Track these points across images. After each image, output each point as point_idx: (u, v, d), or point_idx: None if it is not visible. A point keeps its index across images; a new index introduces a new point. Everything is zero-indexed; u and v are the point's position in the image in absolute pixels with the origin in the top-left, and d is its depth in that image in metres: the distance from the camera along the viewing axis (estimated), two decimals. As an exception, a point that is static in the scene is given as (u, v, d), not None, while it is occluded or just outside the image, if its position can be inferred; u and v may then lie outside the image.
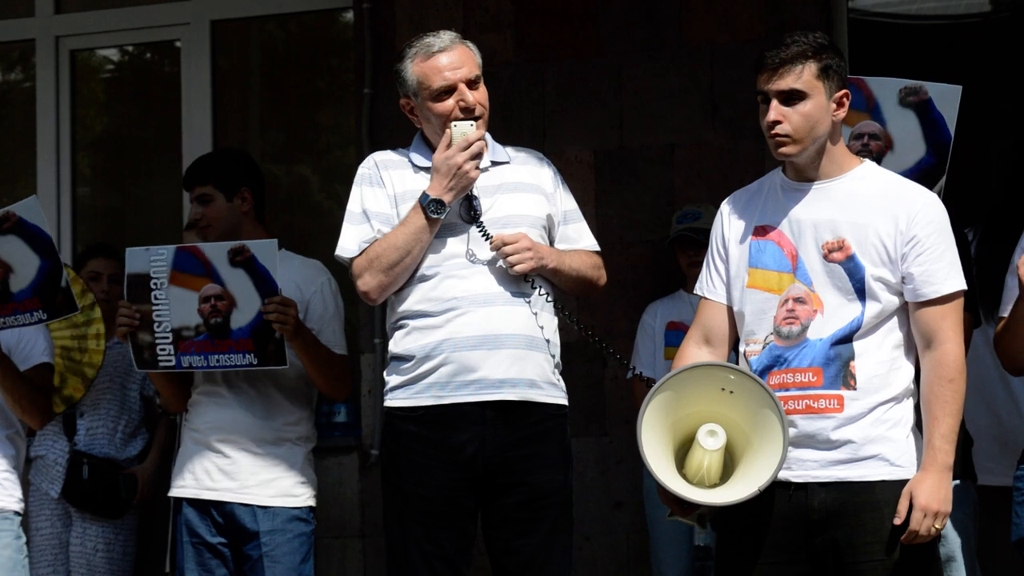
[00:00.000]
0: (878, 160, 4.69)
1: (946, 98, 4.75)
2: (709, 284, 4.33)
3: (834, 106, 4.15)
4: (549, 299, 4.63)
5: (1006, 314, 4.52)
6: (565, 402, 4.71)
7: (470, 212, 4.65)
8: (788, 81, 4.11)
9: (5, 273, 5.44)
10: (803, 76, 4.11)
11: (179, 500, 5.35)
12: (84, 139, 7.84)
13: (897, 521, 4.01)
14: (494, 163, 4.75)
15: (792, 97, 4.11)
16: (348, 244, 4.71)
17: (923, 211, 4.12)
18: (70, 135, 7.65)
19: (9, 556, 5.52)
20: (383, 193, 4.71)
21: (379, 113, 6.87)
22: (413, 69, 4.68)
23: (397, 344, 4.68)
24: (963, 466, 4.86)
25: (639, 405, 6.18)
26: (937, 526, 4.02)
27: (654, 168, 6.61)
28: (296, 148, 7.84)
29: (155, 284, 5.17)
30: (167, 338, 5.19)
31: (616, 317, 6.37)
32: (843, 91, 4.17)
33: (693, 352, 4.31)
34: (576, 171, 6.47)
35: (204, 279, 5.13)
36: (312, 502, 5.34)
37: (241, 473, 5.24)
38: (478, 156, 4.59)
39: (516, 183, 4.73)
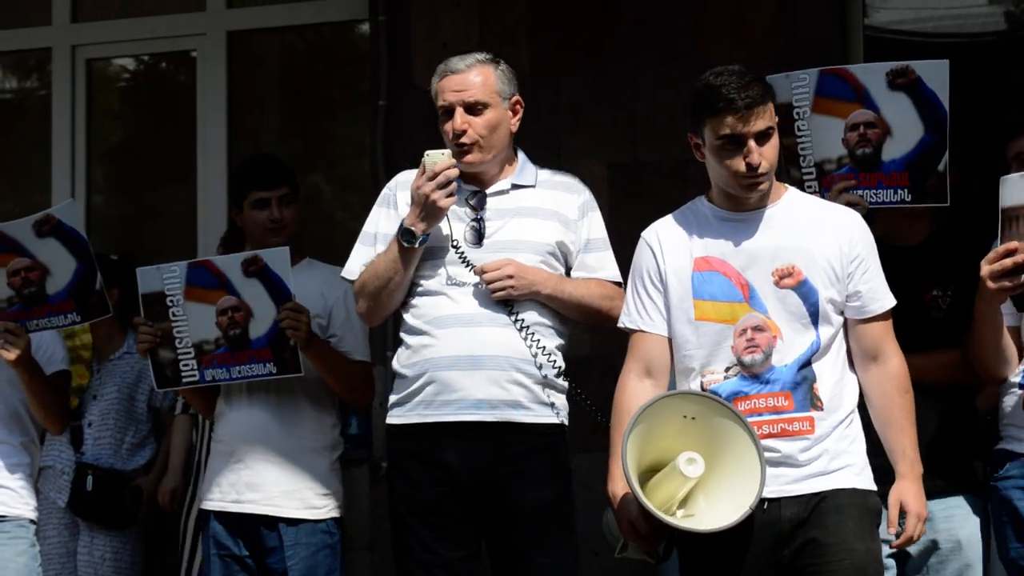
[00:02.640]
0: (879, 147, 4.76)
1: (935, 74, 4.74)
2: (645, 317, 4.30)
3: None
4: (525, 325, 4.62)
5: None
6: (558, 420, 4.70)
7: (476, 235, 4.66)
8: (764, 121, 4.16)
9: (42, 275, 5.48)
10: (771, 112, 4.19)
11: (207, 512, 5.32)
12: (99, 148, 7.85)
13: (891, 530, 4.12)
14: (515, 186, 4.77)
15: (764, 135, 4.16)
16: (352, 267, 4.81)
17: (857, 231, 4.26)
18: (85, 144, 7.67)
19: (25, 563, 5.53)
20: (395, 216, 4.75)
21: (393, 125, 6.88)
22: (435, 86, 4.76)
23: (395, 360, 4.76)
24: (970, 481, 4.86)
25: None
26: (922, 529, 4.16)
27: (667, 183, 6.60)
28: (310, 158, 7.85)
29: (171, 301, 5.20)
30: (189, 353, 5.21)
31: (621, 334, 6.35)
32: (777, 118, 4.24)
33: (636, 386, 4.29)
34: (589, 185, 6.42)
35: (219, 292, 5.16)
36: (337, 513, 5.30)
37: (264, 484, 5.22)
38: (447, 185, 4.58)
39: (532, 208, 4.74)
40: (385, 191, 4.85)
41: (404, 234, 4.60)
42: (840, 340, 4.22)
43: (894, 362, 4.21)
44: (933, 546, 4.82)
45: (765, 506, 4.09)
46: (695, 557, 4.21)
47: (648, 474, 4.10)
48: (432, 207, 4.57)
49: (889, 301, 4.24)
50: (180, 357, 5.22)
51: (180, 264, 5.23)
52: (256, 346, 5.15)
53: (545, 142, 6.61)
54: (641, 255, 4.35)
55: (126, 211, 8.13)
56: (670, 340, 4.27)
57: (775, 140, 4.19)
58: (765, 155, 4.14)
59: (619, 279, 4.79)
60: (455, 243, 4.66)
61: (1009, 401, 4.61)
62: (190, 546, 6.25)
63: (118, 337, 6.44)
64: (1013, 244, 4.31)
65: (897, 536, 4.15)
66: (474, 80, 4.69)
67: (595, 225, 4.84)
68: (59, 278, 5.48)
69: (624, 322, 4.37)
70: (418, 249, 4.62)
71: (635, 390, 4.27)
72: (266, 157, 5.78)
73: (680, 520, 4.03)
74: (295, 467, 5.23)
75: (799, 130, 4.92)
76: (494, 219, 4.69)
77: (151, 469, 6.49)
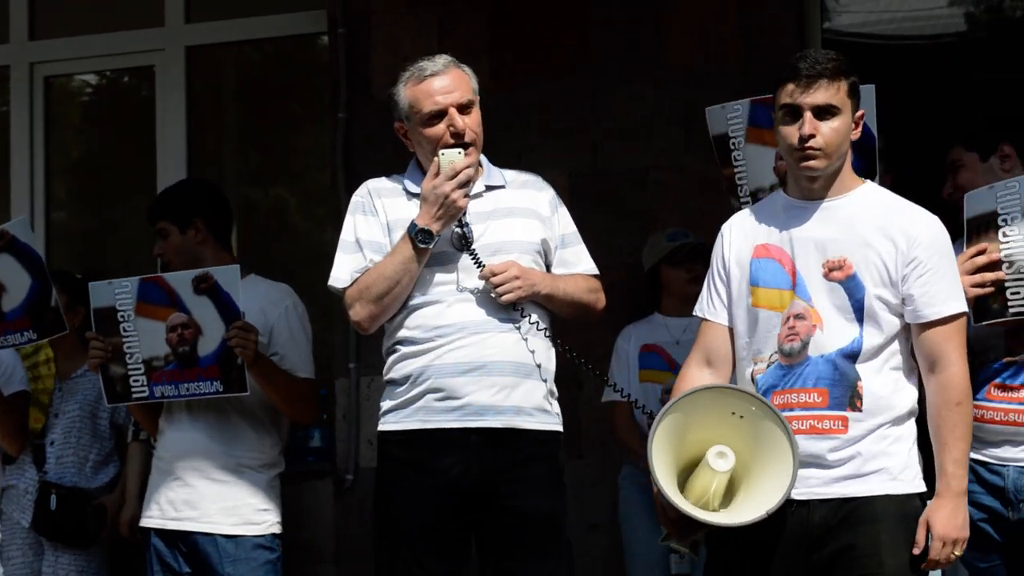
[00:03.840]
0: None
1: (862, 99, 4.77)
2: (710, 306, 4.31)
3: (853, 125, 4.18)
4: (539, 328, 4.61)
5: None
6: (558, 428, 4.69)
7: (462, 239, 4.63)
8: (826, 95, 4.11)
9: None
10: (839, 92, 4.13)
11: (148, 530, 5.33)
12: (60, 164, 7.83)
13: (916, 551, 4.02)
14: (489, 188, 4.73)
15: (825, 112, 4.12)
16: (340, 274, 4.71)
17: (924, 232, 4.13)
18: (44, 160, 7.64)
19: (-10, 584, 5.51)
20: (376, 221, 4.69)
21: (354, 137, 6.87)
22: (406, 93, 4.67)
23: (389, 369, 4.69)
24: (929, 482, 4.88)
25: (615, 429, 6.23)
26: (956, 553, 4.04)
27: (630, 192, 6.61)
28: (273, 171, 7.84)
29: (122, 316, 5.20)
30: (139, 369, 5.21)
31: (591, 340, 6.34)
32: (862, 111, 4.20)
33: (695, 374, 4.28)
34: (551, 194, 6.48)
35: (170, 309, 5.15)
36: (276, 529, 5.31)
37: (202, 502, 5.23)
38: (466, 185, 4.55)
39: (510, 208, 4.70)
40: (357, 198, 4.77)
41: (421, 234, 4.52)
42: (897, 344, 4.12)
43: (950, 372, 4.07)
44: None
45: (793, 508, 4.05)
46: (719, 553, 4.20)
47: (694, 466, 4.08)
48: (452, 206, 4.52)
49: (949, 308, 4.09)
50: (130, 373, 5.22)
51: (132, 280, 5.22)
52: (204, 364, 5.14)
53: (506, 152, 6.60)
54: (715, 246, 4.35)
55: (87, 226, 8.10)
56: (732, 331, 4.26)
57: (839, 124, 4.11)
58: (822, 131, 4.09)
59: (597, 271, 4.82)
60: (461, 248, 4.61)
61: None
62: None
63: (79, 355, 6.40)
64: (983, 245, 4.37)
65: (923, 558, 4.04)
66: (457, 81, 4.66)
67: (565, 220, 4.82)
68: (14, 295, 5.46)
69: (695, 309, 4.37)
70: (430, 249, 4.57)
71: (692, 377, 4.26)
72: (168, 191, 5.78)
73: (693, 509, 4.00)
74: (232, 485, 5.24)
75: (735, 160, 4.98)
76: (476, 222, 4.65)
77: (115, 487, 6.47)
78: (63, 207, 7.91)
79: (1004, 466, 4.56)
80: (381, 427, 4.68)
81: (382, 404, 4.69)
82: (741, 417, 4.02)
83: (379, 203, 4.72)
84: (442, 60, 4.70)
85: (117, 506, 6.39)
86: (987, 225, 4.41)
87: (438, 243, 4.58)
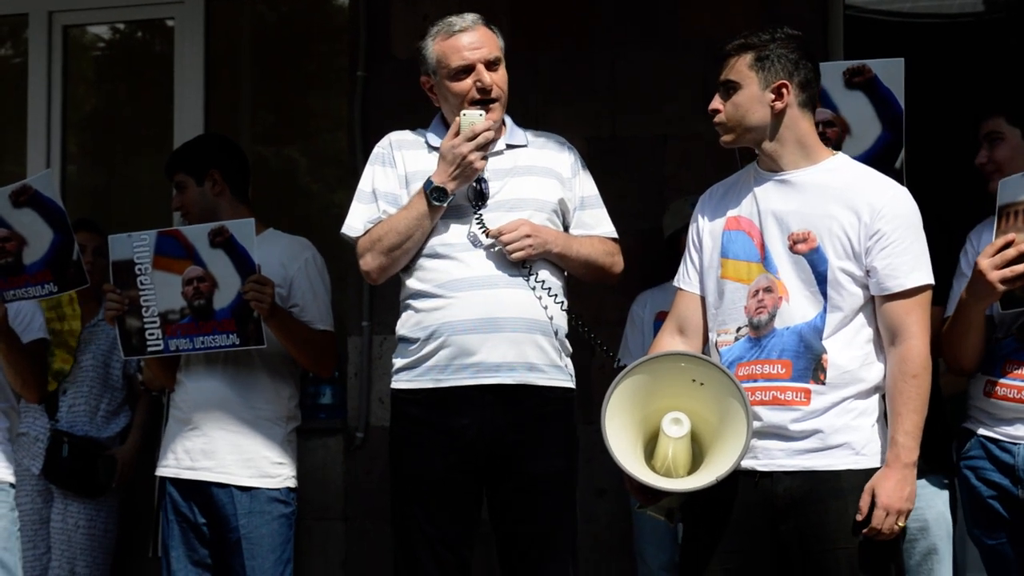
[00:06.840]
0: (838, 146, 4.73)
1: (891, 72, 4.77)
2: (684, 275, 4.37)
3: (771, 96, 4.17)
4: (545, 287, 4.61)
5: (950, 315, 4.58)
6: (571, 385, 4.71)
7: (478, 196, 4.64)
8: (726, 72, 4.20)
9: (19, 246, 5.49)
10: (735, 67, 4.18)
11: (164, 479, 5.36)
12: (74, 117, 7.81)
13: (859, 518, 4.03)
14: (510, 146, 4.75)
15: (728, 88, 4.18)
16: (354, 223, 4.73)
17: (889, 205, 4.13)
18: (61, 112, 7.62)
19: (4, 527, 5.53)
20: (393, 173, 4.71)
21: (372, 96, 6.86)
22: (434, 47, 4.70)
23: (402, 326, 4.70)
24: (941, 460, 4.87)
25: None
26: (900, 524, 4.04)
27: (646, 158, 6.61)
28: (286, 131, 7.83)
29: (139, 270, 5.23)
30: (155, 322, 5.23)
31: (605, 306, 6.36)
32: (780, 81, 4.17)
33: (667, 342, 4.34)
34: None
35: (186, 262, 5.18)
36: (291, 483, 5.34)
37: (218, 452, 5.26)
38: (485, 147, 4.57)
39: (529, 167, 4.72)
40: (379, 149, 4.80)
41: (435, 192, 4.55)
42: (866, 317, 4.13)
43: (909, 344, 4.07)
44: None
45: (757, 478, 4.09)
46: (690, 525, 4.24)
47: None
48: (468, 167, 4.55)
49: (912, 280, 4.09)
50: (146, 326, 5.24)
51: (150, 232, 5.25)
52: (220, 317, 5.16)
53: (524, 117, 6.59)
54: (692, 216, 4.41)
55: (100, 181, 8.09)
56: (704, 300, 4.30)
57: (740, 98, 4.17)
58: (725, 107, 4.20)
59: (616, 235, 4.84)
60: (476, 204, 4.63)
61: (975, 385, 4.64)
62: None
63: (93, 305, 6.43)
64: (1011, 235, 4.35)
65: (865, 525, 4.05)
66: (485, 38, 4.70)
67: (588, 182, 4.85)
68: (36, 248, 5.50)
69: (675, 279, 4.42)
70: (443, 207, 4.59)
71: (664, 345, 4.31)
72: (185, 144, 5.79)
73: (642, 472, 4.03)
74: (250, 436, 5.27)
75: None
76: (493, 179, 4.67)
77: (126, 437, 6.49)
78: (76, 161, 7.91)
79: (1015, 444, 4.56)
80: (394, 385, 4.69)
81: (395, 361, 4.71)
82: (701, 384, 4.05)
83: (399, 155, 4.74)
84: (470, 17, 4.73)
85: (128, 457, 6.42)
86: (1015, 213, 4.40)
87: (455, 198, 4.60)
